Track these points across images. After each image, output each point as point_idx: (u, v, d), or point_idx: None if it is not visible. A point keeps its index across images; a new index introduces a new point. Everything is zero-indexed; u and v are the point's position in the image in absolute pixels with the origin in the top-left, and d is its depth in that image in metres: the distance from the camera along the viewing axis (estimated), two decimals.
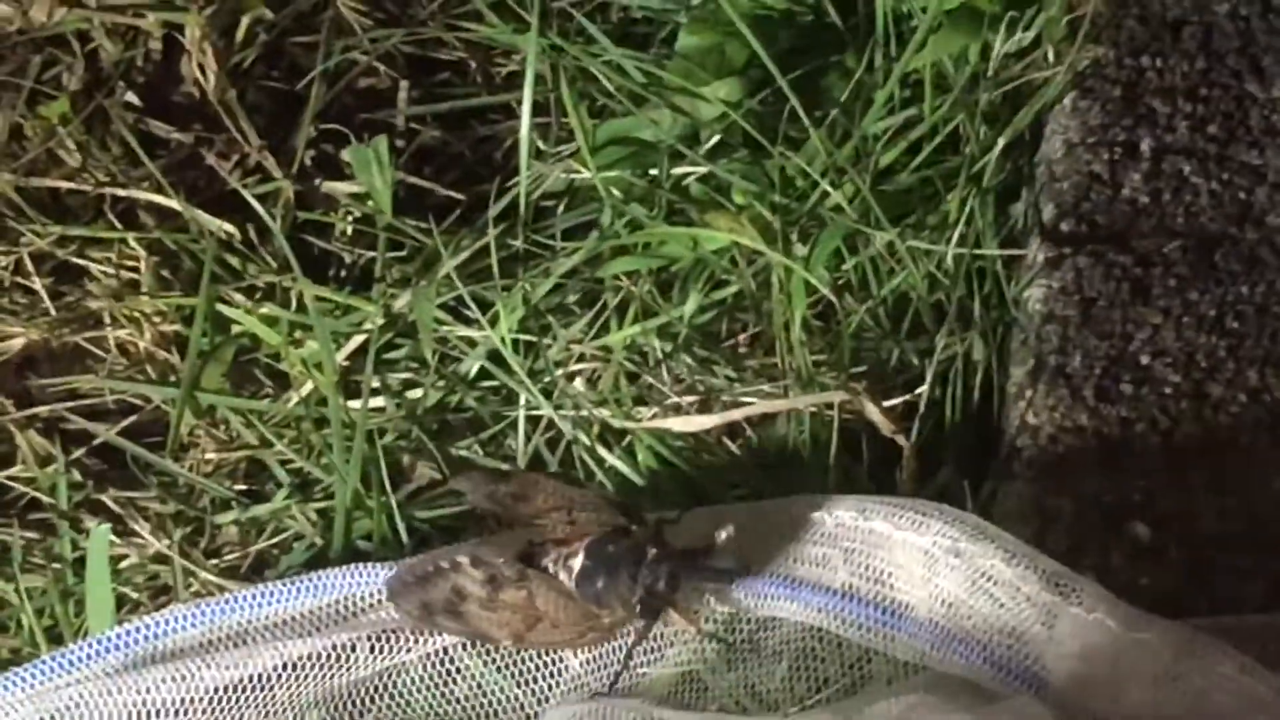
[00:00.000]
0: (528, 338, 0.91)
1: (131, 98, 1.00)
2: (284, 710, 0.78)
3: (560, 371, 0.91)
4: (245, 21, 1.01)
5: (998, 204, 0.93)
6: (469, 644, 0.79)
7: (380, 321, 0.92)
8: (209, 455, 0.91)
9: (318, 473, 0.90)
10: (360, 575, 0.80)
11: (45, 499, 0.90)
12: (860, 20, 0.96)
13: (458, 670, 0.79)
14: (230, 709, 0.78)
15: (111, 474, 0.92)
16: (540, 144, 0.96)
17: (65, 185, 0.98)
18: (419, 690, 0.79)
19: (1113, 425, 0.84)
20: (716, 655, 0.78)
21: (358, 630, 0.79)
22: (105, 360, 0.95)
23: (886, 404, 0.87)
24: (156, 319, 0.94)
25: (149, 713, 0.78)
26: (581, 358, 0.91)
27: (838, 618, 0.75)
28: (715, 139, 0.94)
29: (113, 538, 0.88)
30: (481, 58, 1.02)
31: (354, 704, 0.79)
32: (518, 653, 0.79)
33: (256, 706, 0.78)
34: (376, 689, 0.79)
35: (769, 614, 0.77)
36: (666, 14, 0.98)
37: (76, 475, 0.91)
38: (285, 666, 0.78)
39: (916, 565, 0.74)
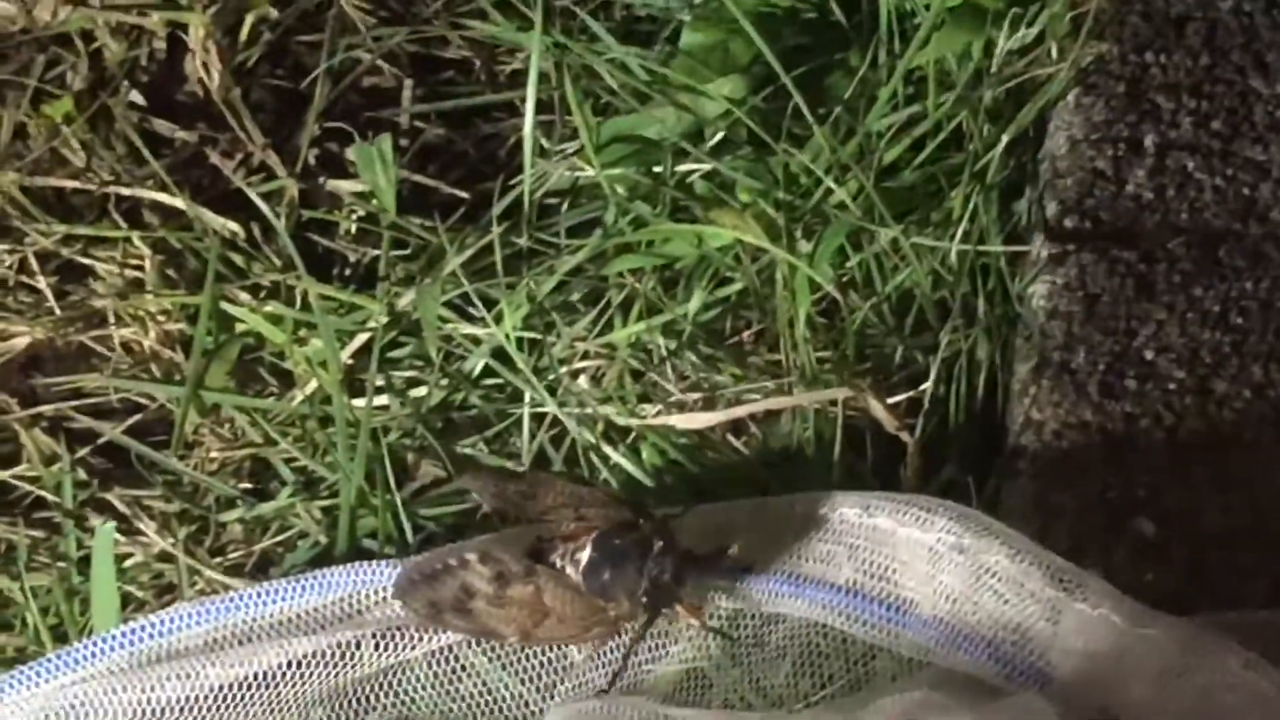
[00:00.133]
0: (532, 335, 0.91)
1: (136, 97, 1.00)
2: (289, 708, 0.78)
3: (565, 369, 0.91)
4: (249, 20, 1.01)
5: (1001, 200, 0.93)
6: (474, 641, 0.79)
7: (384, 320, 0.92)
8: (214, 454, 0.91)
9: (322, 471, 0.90)
10: (365, 573, 0.80)
11: (50, 498, 0.90)
12: (864, 17, 0.96)
13: (462, 668, 0.79)
14: (235, 707, 0.78)
15: (116, 473, 0.92)
16: (544, 142, 0.96)
17: (70, 184, 0.98)
18: (424, 688, 0.79)
19: (1117, 421, 0.84)
20: (721, 652, 0.78)
21: (362, 628, 0.79)
22: (110, 359, 0.95)
23: (890, 401, 0.87)
24: (161, 318, 0.94)
25: (154, 711, 0.78)
26: (586, 355, 0.91)
27: (842, 614, 0.75)
28: (719, 136, 0.94)
29: (117, 536, 0.88)
30: (485, 56, 1.02)
31: (358, 701, 0.79)
32: (522, 650, 0.79)
33: (261, 704, 0.78)
34: (381, 687, 0.79)
35: (773, 610, 0.77)
36: (670, 11, 0.98)
37: (81, 474, 0.91)
38: (290, 664, 0.79)
39: (921, 562, 0.74)
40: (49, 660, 0.79)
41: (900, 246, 0.90)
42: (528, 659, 0.79)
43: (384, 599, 0.79)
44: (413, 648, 0.79)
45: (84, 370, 0.94)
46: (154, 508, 0.90)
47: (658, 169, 0.93)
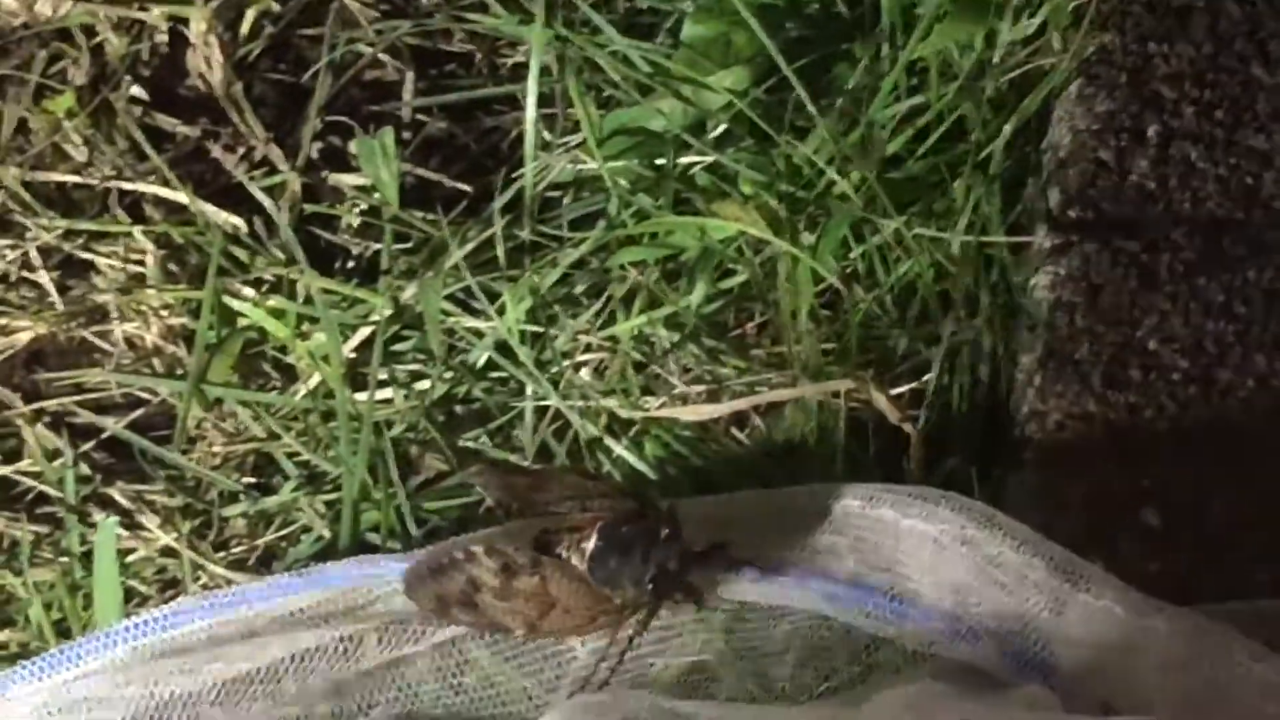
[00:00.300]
0: (535, 328, 0.91)
1: (137, 91, 1.00)
2: (292, 702, 0.78)
3: (568, 362, 0.91)
4: (250, 14, 1.01)
5: (1004, 191, 0.93)
6: (478, 634, 0.79)
7: (387, 313, 0.92)
8: (216, 448, 0.91)
9: (325, 465, 0.90)
10: (368, 567, 0.80)
11: (53, 493, 0.90)
12: (866, 9, 0.96)
13: (466, 661, 0.79)
14: (239, 701, 0.78)
15: (119, 467, 0.92)
16: (546, 135, 0.96)
17: (71, 179, 0.98)
18: (427, 681, 0.79)
19: (1121, 412, 0.84)
20: (725, 645, 0.78)
21: (366, 622, 0.79)
22: (112, 354, 0.95)
23: (894, 392, 0.87)
24: (163, 312, 0.94)
25: (157, 705, 0.78)
26: (589, 348, 0.91)
27: (846, 606, 0.75)
28: (722, 128, 0.94)
29: (120, 531, 0.88)
30: (487, 49, 1.02)
31: (362, 695, 0.79)
32: (526, 643, 0.79)
33: (265, 698, 0.78)
34: (385, 680, 0.79)
35: (777, 603, 0.77)
36: (672, 3, 0.98)
37: (84, 469, 0.91)
38: (293, 658, 0.78)
39: (924, 553, 0.74)
40: (52, 655, 0.79)
41: (903, 238, 0.90)
42: (531, 653, 0.79)
43: (387, 593, 0.79)
44: (416, 641, 0.79)
45: (86, 365, 0.94)
46: (157, 502, 0.90)
47: (660, 161, 0.93)
